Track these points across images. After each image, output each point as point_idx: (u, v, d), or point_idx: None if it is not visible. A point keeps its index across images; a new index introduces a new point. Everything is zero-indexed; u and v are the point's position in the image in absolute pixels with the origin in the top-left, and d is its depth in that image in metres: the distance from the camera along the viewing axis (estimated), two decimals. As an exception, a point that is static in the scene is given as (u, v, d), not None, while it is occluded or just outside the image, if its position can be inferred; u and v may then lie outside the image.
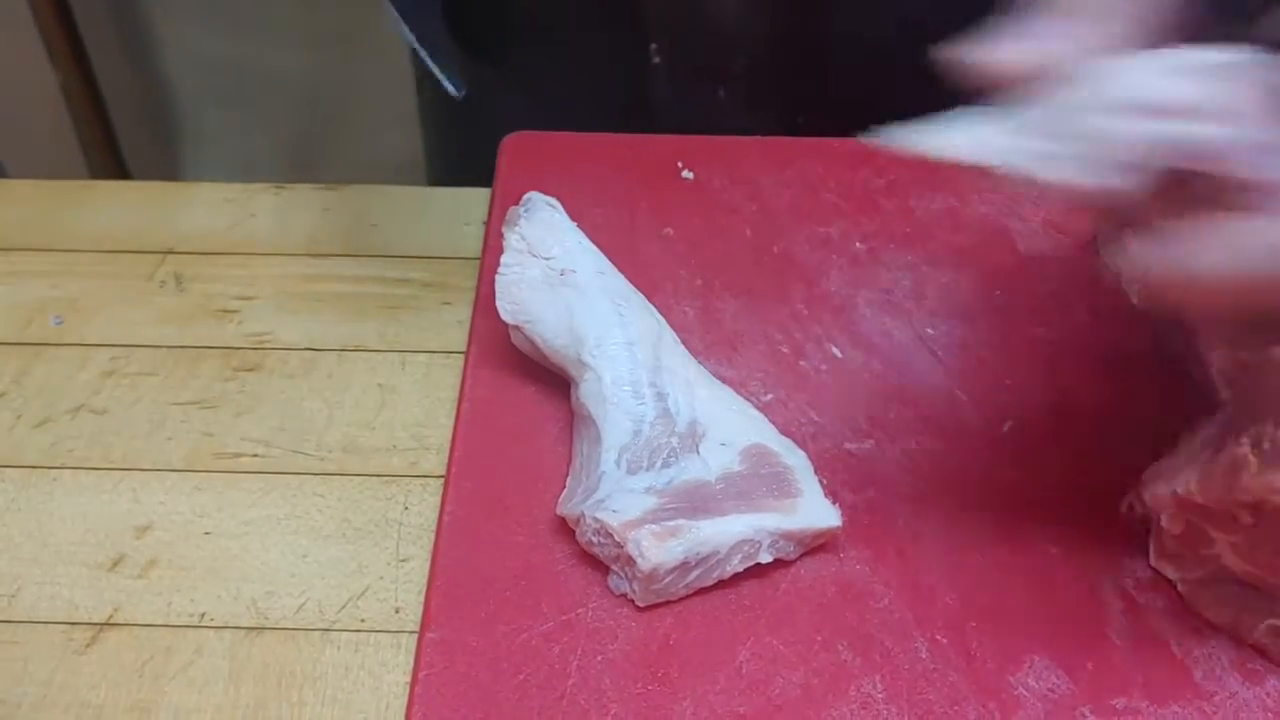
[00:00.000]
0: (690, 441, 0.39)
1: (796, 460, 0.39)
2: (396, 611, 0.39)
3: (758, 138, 0.52)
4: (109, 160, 1.29)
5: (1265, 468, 0.32)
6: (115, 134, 1.29)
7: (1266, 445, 0.33)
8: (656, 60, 0.55)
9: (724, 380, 0.43)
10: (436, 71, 0.44)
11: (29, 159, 1.25)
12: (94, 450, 0.44)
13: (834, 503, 0.38)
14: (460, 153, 0.68)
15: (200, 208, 0.53)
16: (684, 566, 0.36)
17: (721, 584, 0.38)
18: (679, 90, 0.55)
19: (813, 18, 0.52)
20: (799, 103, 0.54)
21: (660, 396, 0.40)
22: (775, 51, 0.53)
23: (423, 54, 0.44)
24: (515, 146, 0.52)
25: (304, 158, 1.28)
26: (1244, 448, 0.33)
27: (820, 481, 0.39)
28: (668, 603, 0.37)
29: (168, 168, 1.37)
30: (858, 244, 0.48)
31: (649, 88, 0.56)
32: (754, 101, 0.55)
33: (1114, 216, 0.45)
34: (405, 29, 0.44)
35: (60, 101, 1.22)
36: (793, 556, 0.38)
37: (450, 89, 0.44)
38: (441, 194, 0.53)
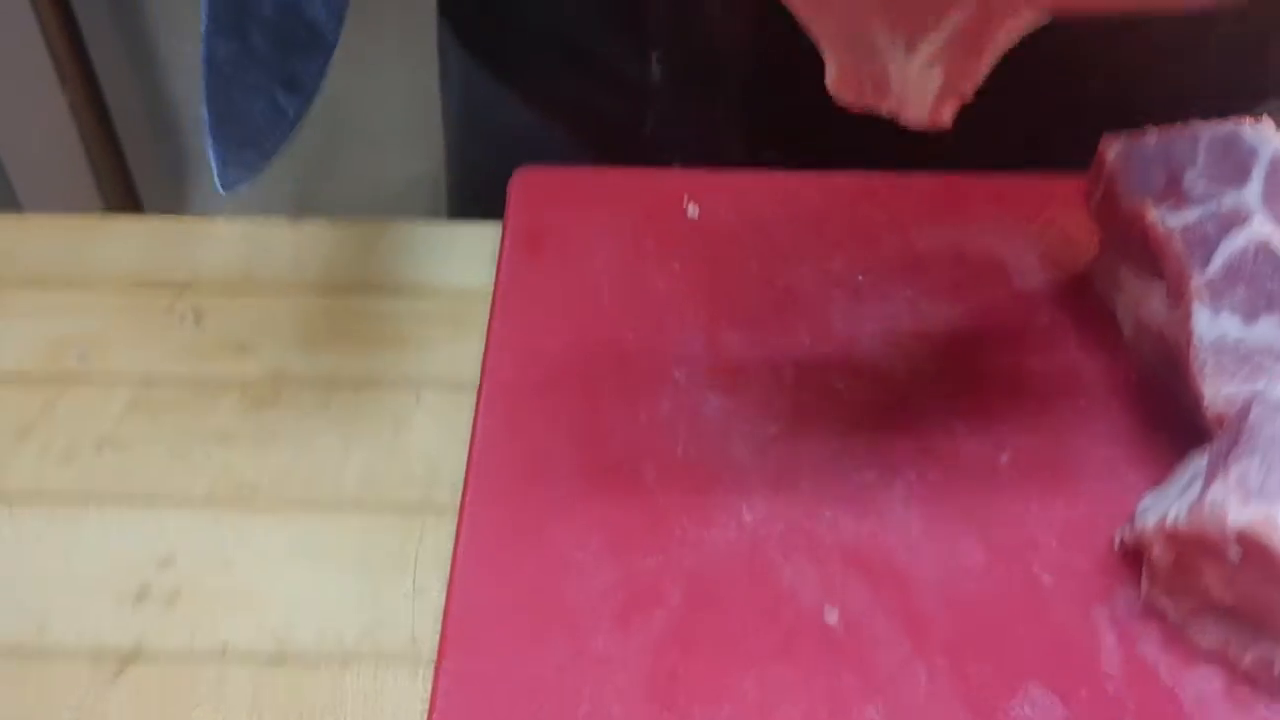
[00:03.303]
0: None
1: None
2: (413, 642, 0.41)
3: (761, 172, 0.54)
4: (120, 181, 1.30)
5: (1249, 502, 0.34)
6: (124, 153, 1.31)
7: (1251, 480, 0.34)
8: (657, 73, 0.56)
9: (727, 412, 0.44)
10: (210, 154, 0.39)
11: (40, 182, 1.27)
12: (118, 484, 0.45)
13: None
14: (476, 166, 0.70)
15: (218, 242, 0.54)
16: None
17: (726, 613, 0.39)
18: (678, 106, 0.57)
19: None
20: (794, 129, 0.56)
21: None
22: (774, 72, 0.55)
23: (206, 131, 0.39)
24: (524, 183, 0.54)
25: (314, 180, 1.30)
26: (1230, 482, 0.34)
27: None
28: (675, 633, 0.39)
29: (177, 187, 1.39)
30: (860, 277, 0.50)
31: (649, 102, 0.57)
32: (749, 123, 0.57)
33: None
34: (205, 104, 0.39)
35: (72, 127, 1.24)
36: None
37: (216, 180, 0.39)
38: (454, 229, 0.55)
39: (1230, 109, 0.46)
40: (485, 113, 0.67)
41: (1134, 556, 0.40)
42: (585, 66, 0.59)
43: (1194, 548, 0.36)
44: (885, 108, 0.34)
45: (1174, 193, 0.44)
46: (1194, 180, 0.44)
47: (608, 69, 0.58)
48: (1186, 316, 0.41)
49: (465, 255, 0.53)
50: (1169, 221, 0.43)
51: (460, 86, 0.68)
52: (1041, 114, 0.52)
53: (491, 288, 0.50)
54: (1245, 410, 0.37)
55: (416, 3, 0.53)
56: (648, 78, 0.56)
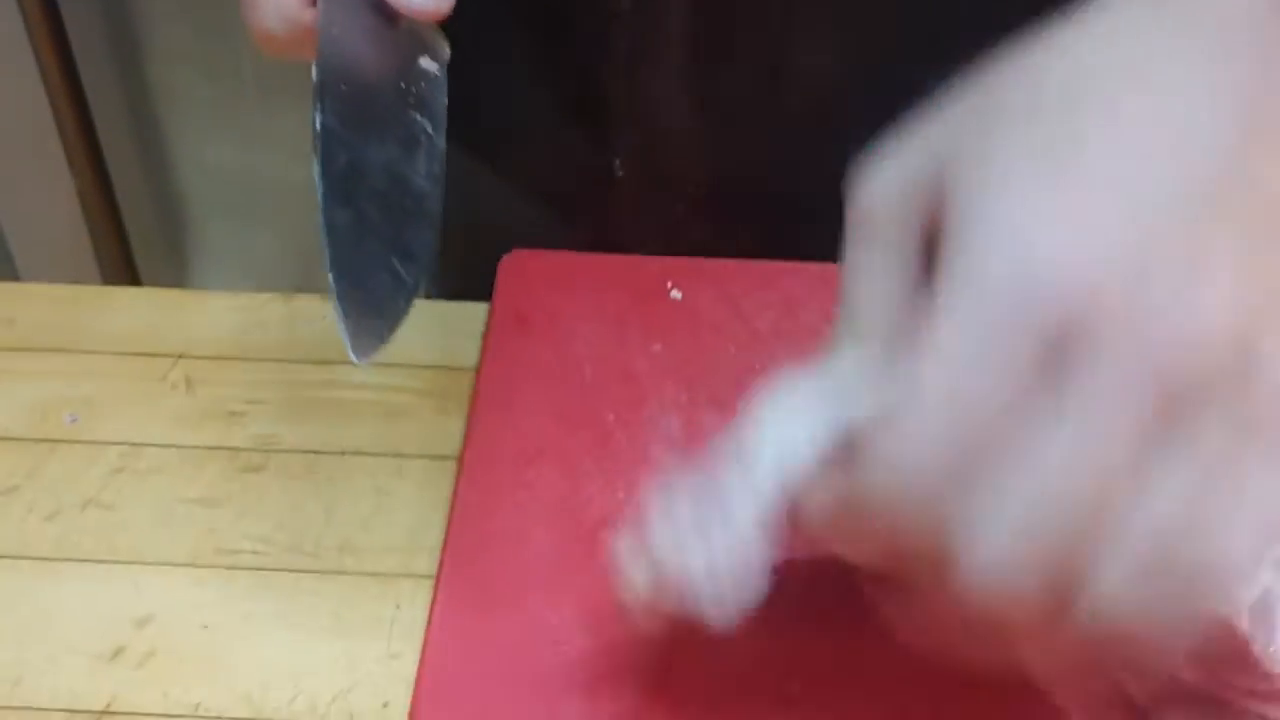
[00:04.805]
0: None
1: None
2: (385, 706, 0.41)
3: (743, 260, 0.55)
4: (121, 265, 1.32)
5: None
6: (128, 238, 1.33)
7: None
8: (620, 174, 0.58)
9: (705, 491, 0.45)
10: (341, 330, 0.38)
11: (39, 253, 1.29)
12: (100, 544, 0.46)
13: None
14: (449, 242, 0.73)
15: (212, 315, 0.55)
16: None
17: (697, 683, 0.39)
18: (640, 203, 0.59)
19: (779, 152, 0.55)
20: (755, 224, 0.58)
21: None
22: (729, 181, 0.57)
23: (334, 301, 0.38)
24: (514, 265, 0.55)
25: (309, 264, 1.32)
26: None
27: None
28: (645, 704, 0.39)
29: (178, 271, 1.40)
30: (836, 364, 0.51)
31: (610, 198, 0.59)
32: (710, 219, 0.59)
33: None
34: (331, 273, 0.38)
35: (77, 208, 1.26)
36: None
37: (350, 350, 0.38)
38: (442, 307, 0.56)
39: None
40: (459, 192, 0.70)
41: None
42: (553, 153, 0.61)
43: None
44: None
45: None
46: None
47: (573, 159, 0.60)
48: None
49: (453, 333, 0.55)
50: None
51: None
52: None
53: (477, 365, 0.51)
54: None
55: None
56: (611, 174, 0.59)
